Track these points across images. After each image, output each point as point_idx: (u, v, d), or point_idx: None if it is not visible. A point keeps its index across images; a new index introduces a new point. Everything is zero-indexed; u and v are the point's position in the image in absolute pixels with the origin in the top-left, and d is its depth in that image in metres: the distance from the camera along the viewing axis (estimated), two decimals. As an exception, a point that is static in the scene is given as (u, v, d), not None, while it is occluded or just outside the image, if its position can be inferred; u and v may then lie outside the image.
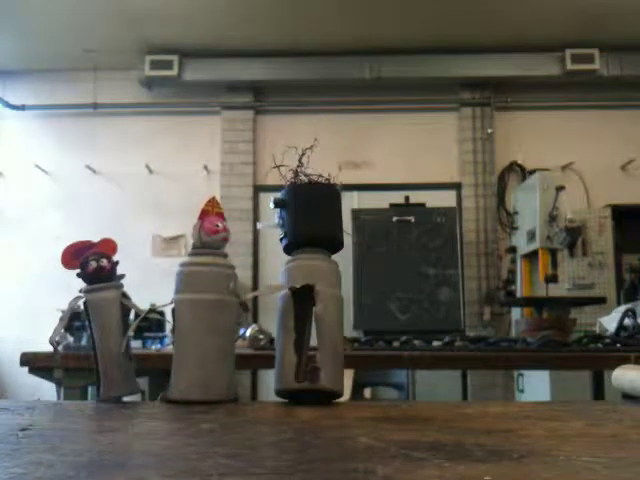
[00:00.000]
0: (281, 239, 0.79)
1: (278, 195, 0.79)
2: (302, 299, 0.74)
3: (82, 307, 0.77)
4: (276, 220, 0.80)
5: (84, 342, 2.46)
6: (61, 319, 0.77)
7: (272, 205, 0.79)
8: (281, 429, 0.56)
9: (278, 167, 0.78)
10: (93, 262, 0.75)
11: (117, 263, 0.78)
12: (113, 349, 0.75)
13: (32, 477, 0.36)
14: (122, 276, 0.78)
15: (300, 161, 0.78)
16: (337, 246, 0.79)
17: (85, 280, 0.76)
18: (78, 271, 0.76)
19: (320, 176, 0.79)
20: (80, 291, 0.76)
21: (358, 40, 5.09)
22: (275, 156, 0.80)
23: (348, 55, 5.21)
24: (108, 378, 0.75)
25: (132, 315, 0.78)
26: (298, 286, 0.73)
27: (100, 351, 0.75)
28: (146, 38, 5.06)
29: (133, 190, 5.43)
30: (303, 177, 0.78)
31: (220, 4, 4.59)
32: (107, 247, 0.78)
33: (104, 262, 0.76)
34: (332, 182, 0.79)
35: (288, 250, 0.79)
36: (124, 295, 0.77)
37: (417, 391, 4.26)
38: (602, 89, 5.29)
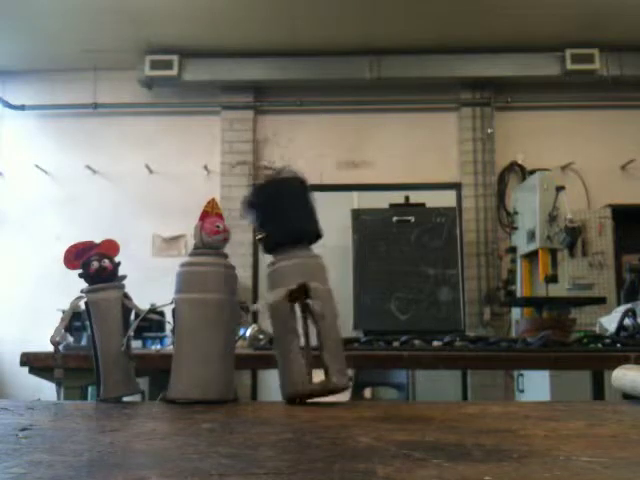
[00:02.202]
0: (259, 239, 0.76)
1: (246, 196, 0.76)
2: (296, 299, 0.74)
3: (83, 307, 0.77)
4: (250, 221, 0.76)
5: (84, 342, 2.46)
6: (62, 319, 0.77)
7: (245, 207, 0.76)
8: (281, 429, 0.56)
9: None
10: (95, 262, 0.76)
11: (119, 264, 0.78)
12: (113, 349, 0.75)
13: (32, 477, 0.36)
14: (124, 277, 0.78)
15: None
16: (317, 238, 0.77)
17: (87, 280, 0.76)
18: (80, 271, 0.76)
19: (284, 168, 0.76)
20: (81, 291, 0.76)
21: (358, 40, 5.09)
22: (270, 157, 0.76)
23: (348, 55, 5.21)
24: (108, 378, 0.75)
25: (132, 315, 0.78)
26: (294, 287, 0.72)
27: (100, 351, 0.75)
28: (146, 38, 5.06)
29: (133, 190, 5.43)
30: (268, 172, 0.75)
31: (220, 4, 4.59)
32: (110, 248, 0.78)
33: (106, 263, 0.76)
34: (295, 174, 0.77)
35: (268, 250, 0.76)
36: (125, 295, 0.77)
37: (417, 391, 4.26)
38: (602, 89, 5.29)
